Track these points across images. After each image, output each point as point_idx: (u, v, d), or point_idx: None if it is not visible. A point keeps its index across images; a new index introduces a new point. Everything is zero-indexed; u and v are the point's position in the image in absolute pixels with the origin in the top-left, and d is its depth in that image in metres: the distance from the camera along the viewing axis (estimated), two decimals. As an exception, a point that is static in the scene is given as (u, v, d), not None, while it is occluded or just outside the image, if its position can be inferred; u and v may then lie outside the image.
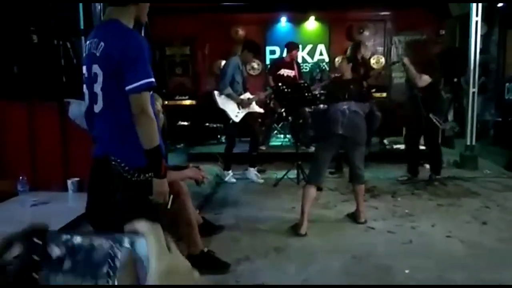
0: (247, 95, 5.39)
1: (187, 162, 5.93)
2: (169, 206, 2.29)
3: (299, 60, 8.78)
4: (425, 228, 3.71)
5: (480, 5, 6.00)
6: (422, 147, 5.54)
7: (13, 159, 4.03)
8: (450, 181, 5.29)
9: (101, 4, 4.46)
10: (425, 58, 5.13)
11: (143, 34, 6.34)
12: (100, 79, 1.98)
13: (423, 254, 3.16)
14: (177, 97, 8.13)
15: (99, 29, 2.09)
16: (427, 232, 3.64)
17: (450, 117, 7.90)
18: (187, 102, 8.20)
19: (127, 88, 1.89)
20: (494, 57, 8.22)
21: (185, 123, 7.72)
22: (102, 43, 1.97)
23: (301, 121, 6.48)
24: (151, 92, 2.01)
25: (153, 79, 1.93)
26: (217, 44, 8.65)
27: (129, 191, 2.07)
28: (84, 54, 2.12)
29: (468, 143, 6.15)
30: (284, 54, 6.73)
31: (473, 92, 6.09)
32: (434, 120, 4.93)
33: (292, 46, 6.59)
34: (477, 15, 6.01)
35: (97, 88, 2.00)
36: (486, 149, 6.72)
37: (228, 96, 5.23)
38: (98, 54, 1.97)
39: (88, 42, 2.07)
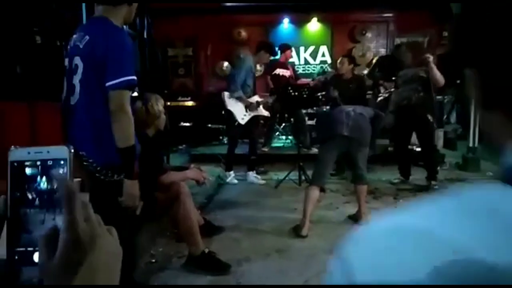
0: (255, 98, 5.39)
1: (189, 163, 5.94)
2: (138, 212, 2.15)
3: (301, 61, 8.87)
4: (427, 230, 3.69)
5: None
6: (416, 149, 5.54)
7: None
8: (452, 183, 5.28)
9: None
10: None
11: (145, 35, 6.37)
12: (79, 70, 1.96)
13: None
14: (179, 98, 8.13)
15: (86, 24, 2.09)
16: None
17: (453, 119, 7.89)
18: (190, 103, 8.20)
19: (108, 84, 1.86)
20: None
21: (187, 124, 7.72)
22: (87, 37, 1.95)
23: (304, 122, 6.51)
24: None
25: (134, 77, 1.90)
26: (219, 45, 8.66)
27: (99, 192, 1.93)
28: (68, 47, 2.09)
29: (471, 145, 6.13)
30: (278, 56, 6.80)
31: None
32: (432, 121, 4.92)
33: (284, 47, 6.67)
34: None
35: (76, 79, 1.98)
36: (488, 151, 6.70)
37: (238, 99, 5.22)
38: (81, 46, 1.95)
39: (74, 36, 2.05)
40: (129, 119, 1.91)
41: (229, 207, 4.46)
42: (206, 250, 2.93)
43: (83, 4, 4.91)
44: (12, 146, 0.50)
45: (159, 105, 2.94)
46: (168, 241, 3.31)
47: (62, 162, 0.49)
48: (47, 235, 0.45)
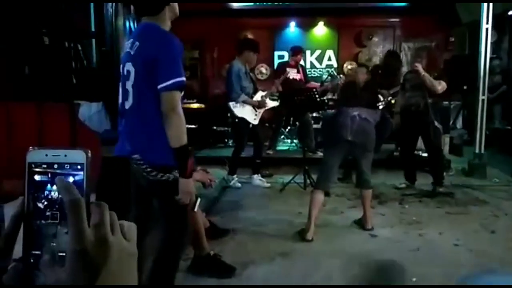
0: (259, 95, 5.40)
1: (195, 165, 5.94)
2: (196, 208, 2.24)
3: (308, 65, 8.86)
4: (433, 236, 3.68)
5: (490, 12, 5.97)
6: (422, 154, 5.53)
7: (22, 159, 4.06)
8: (458, 189, 5.26)
9: (113, 7, 4.51)
10: (436, 65, 5.09)
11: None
12: (131, 76, 2.02)
13: (430, 262, 3.13)
14: (185, 100, 8.10)
15: (135, 31, 2.18)
16: (435, 240, 3.61)
17: (459, 124, 7.85)
18: (195, 105, 8.22)
19: (160, 86, 1.91)
20: (504, 65, 8.19)
21: (193, 126, 7.73)
22: (137, 42, 2.02)
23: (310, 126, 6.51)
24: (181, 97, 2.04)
25: (183, 78, 1.95)
26: (226, 48, 8.67)
27: (156, 191, 2.09)
28: (122, 55, 2.18)
29: (477, 151, 6.10)
30: (288, 58, 6.81)
31: (483, 100, 6.04)
32: (439, 127, 4.92)
33: (296, 51, 6.65)
34: (487, 23, 5.98)
35: (129, 85, 2.04)
36: (495, 158, 6.67)
37: (244, 102, 5.22)
38: (132, 53, 2.02)
39: (126, 43, 2.13)
40: (181, 119, 1.96)
41: (234, 210, 4.46)
42: (212, 253, 2.93)
43: (91, 5, 4.95)
44: (30, 147, 0.50)
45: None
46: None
47: (79, 166, 0.49)
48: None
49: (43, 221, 0.48)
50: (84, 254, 0.43)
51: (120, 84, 2.13)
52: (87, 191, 0.48)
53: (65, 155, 0.49)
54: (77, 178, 0.48)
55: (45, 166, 0.49)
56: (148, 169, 2.03)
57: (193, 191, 2.08)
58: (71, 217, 0.44)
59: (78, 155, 0.49)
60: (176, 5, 2.11)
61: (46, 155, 0.49)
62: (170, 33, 2.04)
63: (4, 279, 0.46)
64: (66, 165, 0.49)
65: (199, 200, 2.23)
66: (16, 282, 0.47)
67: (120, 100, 2.14)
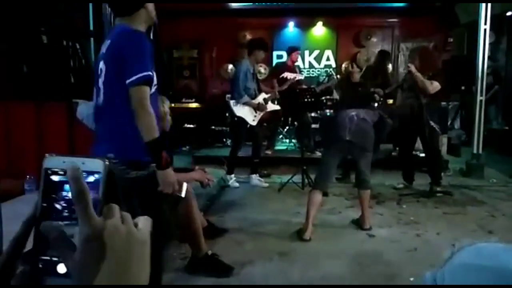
0: (262, 96, 5.41)
1: (192, 164, 5.94)
2: (182, 194, 2.24)
3: (306, 65, 8.87)
4: (430, 236, 3.69)
5: (488, 13, 5.98)
6: (420, 155, 5.55)
7: (20, 158, 4.06)
8: (456, 189, 5.27)
9: (111, 6, 4.49)
10: (433, 65, 5.10)
11: (151, 36, 6.41)
12: (103, 73, 2.06)
13: (428, 262, 3.13)
14: (183, 100, 8.15)
15: (109, 32, 2.21)
16: (432, 240, 3.61)
17: (457, 125, 7.86)
18: (194, 105, 8.22)
19: (127, 81, 1.94)
20: (502, 66, 8.20)
21: (191, 126, 7.74)
22: (108, 41, 2.08)
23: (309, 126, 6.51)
24: (153, 93, 2.04)
25: (149, 72, 1.97)
26: (224, 47, 8.68)
27: (133, 188, 2.05)
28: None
29: (475, 151, 6.11)
30: (285, 58, 6.82)
31: (481, 100, 6.05)
32: (436, 128, 4.92)
33: (291, 50, 6.64)
34: (485, 23, 5.98)
35: (100, 82, 2.08)
36: (492, 158, 6.69)
37: (245, 103, 5.24)
38: (104, 51, 2.07)
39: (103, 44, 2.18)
40: (149, 113, 1.97)
41: (232, 209, 4.47)
42: (209, 252, 2.93)
43: (90, 5, 4.94)
44: (47, 154, 0.49)
45: (164, 106, 2.95)
46: (171, 242, 3.31)
47: (96, 175, 0.48)
48: (56, 238, 0.45)
49: (58, 219, 0.48)
50: (91, 237, 0.44)
51: (95, 82, 2.16)
52: (102, 200, 0.48)
53: (83, 163, 0.48)
54: (93, 186, 0.47)
55: (61, 172, 0.48)
56: (122, 167, 2.02)
57: (174, 180, 2.09)
58: (77, 206, 0.45)
59: (96, 164, 0.48)
60: (152, 9, 2.13)
61: (64, 162, 0.48)
62: (138, 31, 2.06)
63: (12, 283, 0.47)
64: (83, 173, 0.47)
65: (185, 184, 2.24)
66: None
67: (94, 98, 2.16)
